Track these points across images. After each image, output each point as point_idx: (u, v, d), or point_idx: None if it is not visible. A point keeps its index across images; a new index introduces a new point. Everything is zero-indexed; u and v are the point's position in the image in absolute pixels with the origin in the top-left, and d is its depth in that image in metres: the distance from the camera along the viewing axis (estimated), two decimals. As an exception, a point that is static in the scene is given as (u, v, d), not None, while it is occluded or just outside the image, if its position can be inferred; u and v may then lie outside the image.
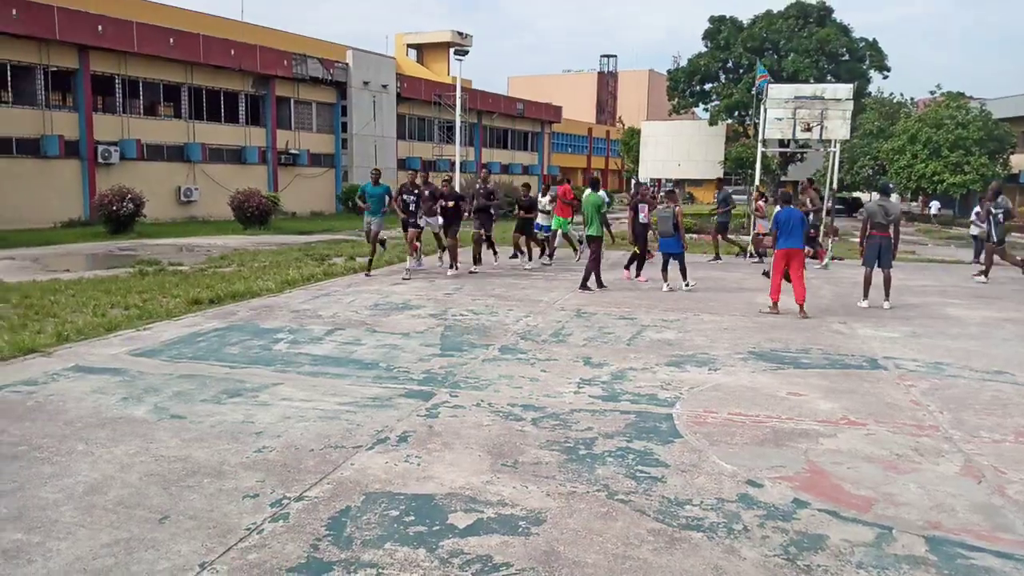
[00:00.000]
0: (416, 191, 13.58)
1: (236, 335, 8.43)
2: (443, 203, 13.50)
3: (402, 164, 39.84)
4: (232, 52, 31.18)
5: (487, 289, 12.27)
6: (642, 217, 13.63)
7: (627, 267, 13.88)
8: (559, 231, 15.77)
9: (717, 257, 17.10)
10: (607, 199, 14.19)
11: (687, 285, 12.31)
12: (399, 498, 4.21)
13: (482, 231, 14.81)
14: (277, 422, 5.47)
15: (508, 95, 57.51)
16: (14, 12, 23.67)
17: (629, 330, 9.08)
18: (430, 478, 4.50)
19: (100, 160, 26.54)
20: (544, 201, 15.58)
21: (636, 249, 13.71)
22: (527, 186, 16.20)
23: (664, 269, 12.47)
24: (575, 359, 7.58)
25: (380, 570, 3.44)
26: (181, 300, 10.12)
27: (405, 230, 13.79)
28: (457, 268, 13.91)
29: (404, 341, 8.31)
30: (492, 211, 15.26)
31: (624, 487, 4.40)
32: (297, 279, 12.75)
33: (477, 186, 15.30)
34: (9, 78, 24.93)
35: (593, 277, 12.27)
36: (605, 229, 12.77)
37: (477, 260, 15.02)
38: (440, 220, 13.89)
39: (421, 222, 13.67)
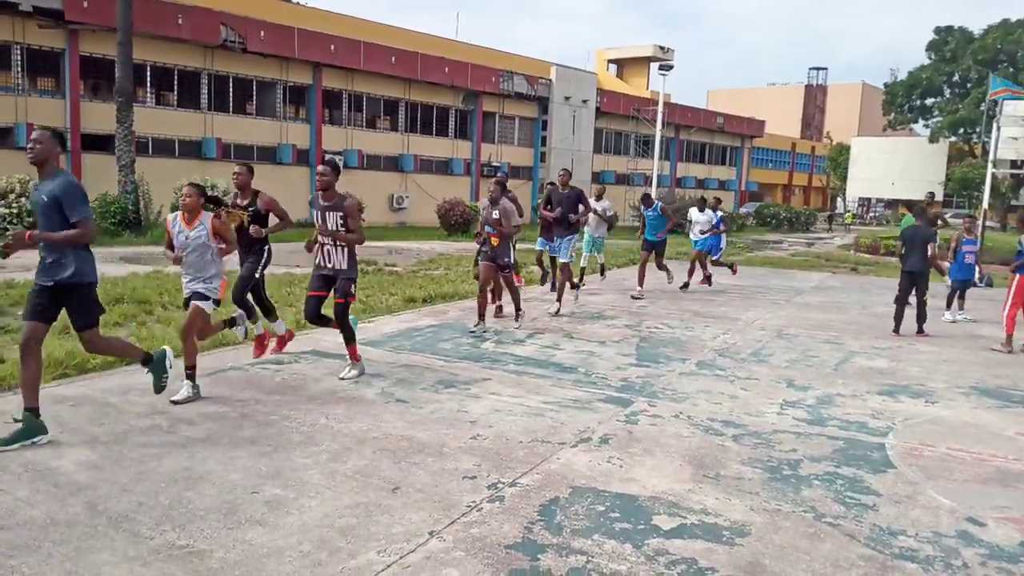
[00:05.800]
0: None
1: (448, 332, 9.07)
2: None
3: (596, 177, 40.30)
4: (446, 70, 33.11)
5: (682, 304, 12.24)
6: None
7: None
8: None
9: None
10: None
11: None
12: (604, 495, 4.42)
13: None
14: (488, 413, 5.88)
15: (707, 109, 56.39)
16: (262, 34, 26.67)
17: (836, 355, 8.75)
18: (632, 480, 4.68)
19: (326, 167, 29.15)
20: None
21: None
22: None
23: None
24: (777, 380, 7.44)
25: (590, 558, 3.66)
26: (398, 298, 11.01)
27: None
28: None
29: (601, 349, 8.54)
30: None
31: (832, 511, 4.33)
32: (498, 284, 13.36)
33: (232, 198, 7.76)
34: (255, 92, 28.10)
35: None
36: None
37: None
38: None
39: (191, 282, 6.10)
